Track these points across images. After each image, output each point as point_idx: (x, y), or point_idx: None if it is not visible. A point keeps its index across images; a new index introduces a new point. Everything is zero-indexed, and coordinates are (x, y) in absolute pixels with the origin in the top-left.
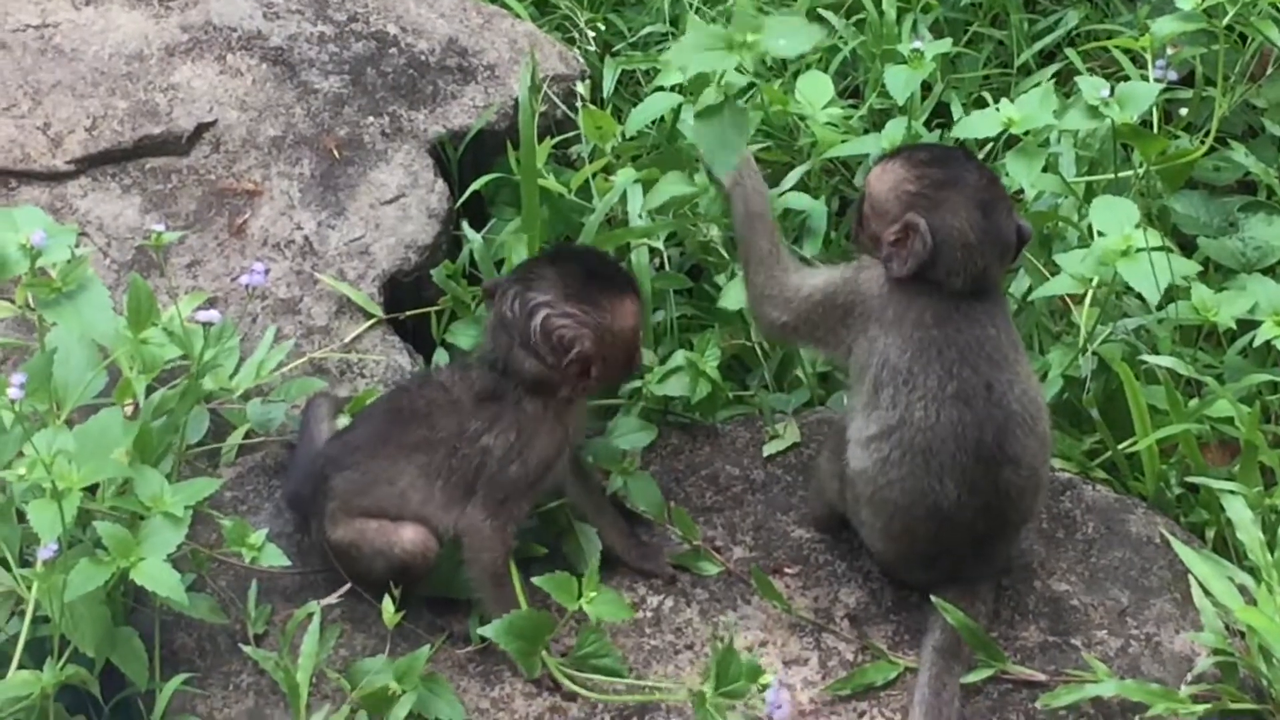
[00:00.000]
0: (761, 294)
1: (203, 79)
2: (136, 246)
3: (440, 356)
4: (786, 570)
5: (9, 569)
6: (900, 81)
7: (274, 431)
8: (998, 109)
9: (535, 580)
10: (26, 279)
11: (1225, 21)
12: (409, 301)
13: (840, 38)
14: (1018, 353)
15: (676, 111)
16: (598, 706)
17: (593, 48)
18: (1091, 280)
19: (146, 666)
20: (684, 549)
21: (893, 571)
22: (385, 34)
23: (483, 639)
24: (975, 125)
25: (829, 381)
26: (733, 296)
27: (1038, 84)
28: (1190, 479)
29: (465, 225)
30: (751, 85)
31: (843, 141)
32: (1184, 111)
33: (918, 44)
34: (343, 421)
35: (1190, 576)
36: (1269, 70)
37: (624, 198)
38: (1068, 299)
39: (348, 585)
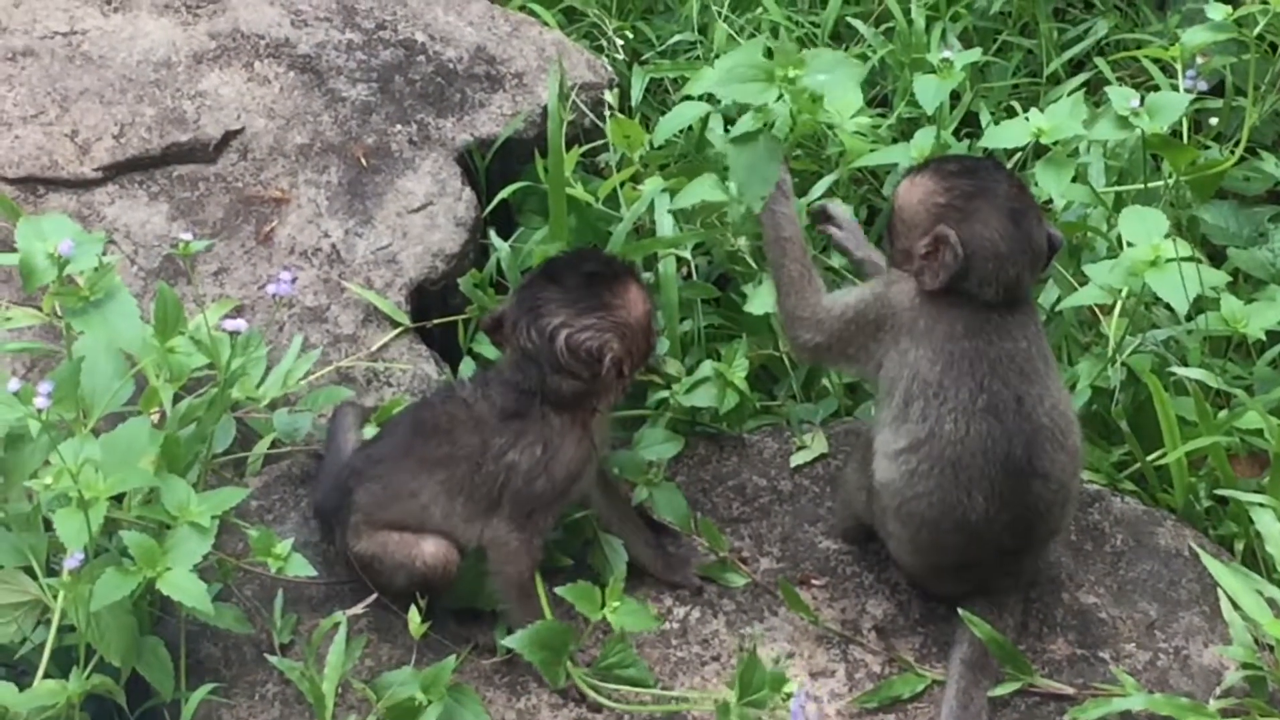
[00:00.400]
0: (794, 316)
1: (230, 86)
2: (164, 254)
3: (466, 366)
4: (814, 582)
5: (36, 578)
6: (929, 91)
7: (300, 441)
8: (1027, 119)
9: (558, 590)
10: (54, 287)
11: (1256, 31)
12: (436, 310)
13: (869, 46)
14: (1048, 366)
15: (705, 120)
16: (624, 718)
17: (621, 56)
18: (1120, 291)
19: (172, 676)
20: (711, 560)
21: (920, 584)
22: (413, 42)
23: (508, 649)
24: (1004, 135)
25: (857, 392)
26: (760, 302)
27: (1067, 93)
28: (1220, 491)
29: (492, 234)
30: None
31: (871, 150)
32: (1214, 121)
33: (947, 53)
34: (369, 431)
35: (1219, 590)
36: None
37: (651, 206)
38: (1097, 309)
39: (374, 596)
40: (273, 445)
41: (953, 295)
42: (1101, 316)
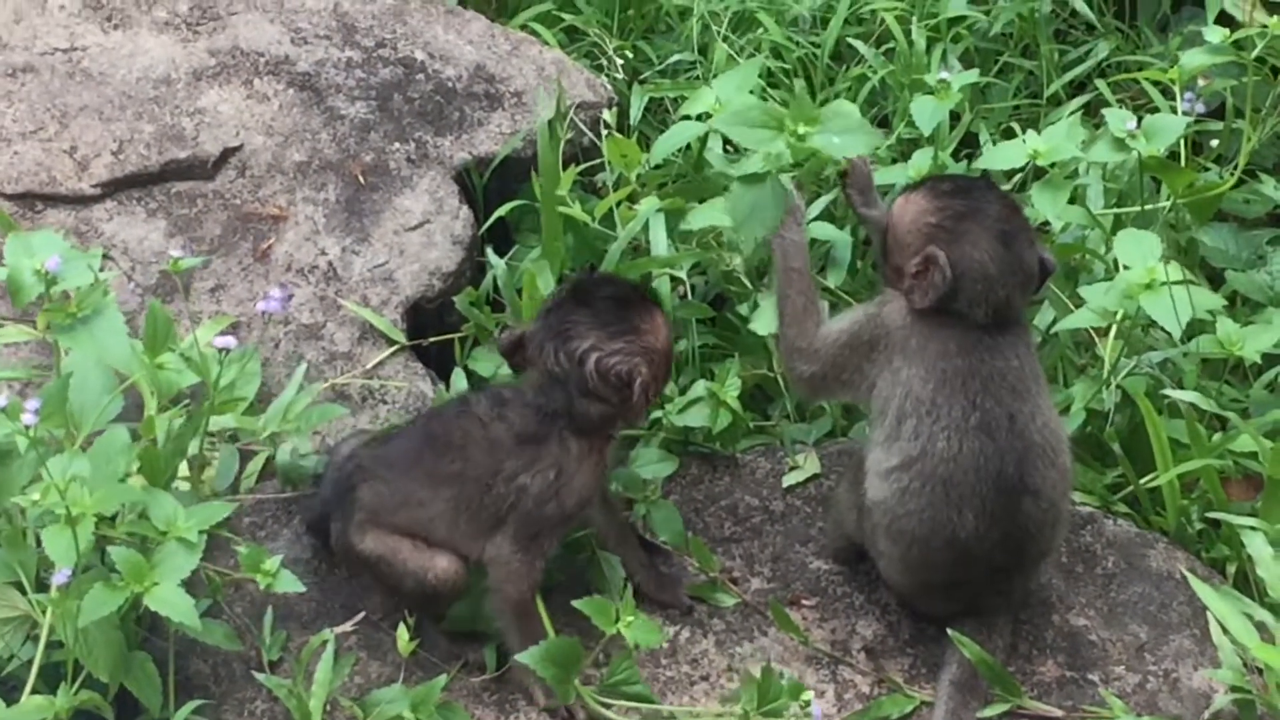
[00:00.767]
0: (793, 347)
1: (229, 104)
2: (161, 271)
3: (459, 381)
4: (804, 602)
5: (24, 593)
6: (926, 112)
7: (305, 482)
8: (1024, 140)
9: (575, 603)
10: (46, 304)
11: (1254, 54)
12: (432, 327)
13: (870, 67)
14: (1039, 384)
15: (703, 140)
16: None
17: (621, 75)
18: (1115, 313)
19: (160, 692)
20: (701, 580)
21: (910, 603)
22: (413, 60)
23: (498, 667)
24: (1001, 156)
25: (851, 412)
26: (763, 322)
27: (1067, 115)
28: (1211, 514)
29: (489, 252)
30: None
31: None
32: (1214, 143)
33: (944, 74)
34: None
35: (1208, 613)
36: None
37: (646, 226)
38: (1093, 332)
39: (361, 615)
40: (266, 463)
41: (944, 314)
42: (1097, 339)
